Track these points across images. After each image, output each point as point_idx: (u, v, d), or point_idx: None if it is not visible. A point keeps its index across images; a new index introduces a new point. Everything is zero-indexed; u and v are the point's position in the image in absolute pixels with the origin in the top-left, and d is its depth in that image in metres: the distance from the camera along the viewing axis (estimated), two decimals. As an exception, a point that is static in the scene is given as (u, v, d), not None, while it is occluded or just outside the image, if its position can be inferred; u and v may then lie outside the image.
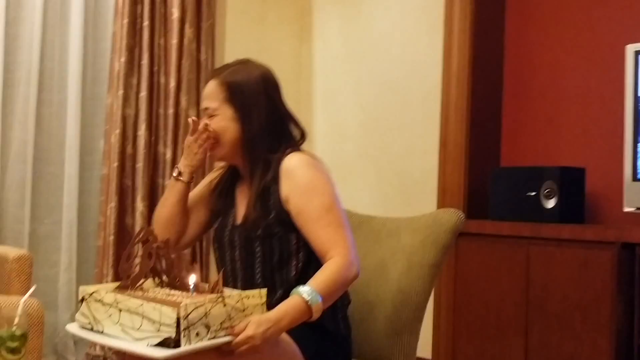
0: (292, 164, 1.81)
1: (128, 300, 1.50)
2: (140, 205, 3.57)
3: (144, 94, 3.62)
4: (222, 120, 1.85)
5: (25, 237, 3.45)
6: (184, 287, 1.61)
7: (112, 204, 3.54)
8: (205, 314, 1.47)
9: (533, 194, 2.97)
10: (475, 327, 3.05)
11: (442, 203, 3.40)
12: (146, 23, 3.63)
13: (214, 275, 1.95)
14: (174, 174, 1.93)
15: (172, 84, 3.67)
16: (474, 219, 3.18)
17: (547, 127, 3.31)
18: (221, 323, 1.50)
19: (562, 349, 2.75)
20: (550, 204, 2.92)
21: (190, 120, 1.94)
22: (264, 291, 1.60)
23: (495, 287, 2.98)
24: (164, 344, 1.44)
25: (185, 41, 3.71)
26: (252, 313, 1.56)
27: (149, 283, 1.65)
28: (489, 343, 2.99)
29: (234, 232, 1.87)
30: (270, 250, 1.81)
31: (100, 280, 3.50)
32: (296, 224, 1.79)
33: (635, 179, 2.75)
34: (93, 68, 3.71)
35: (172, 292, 1.60)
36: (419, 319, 1.98)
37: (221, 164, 2.01)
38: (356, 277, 1.73)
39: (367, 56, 3.85)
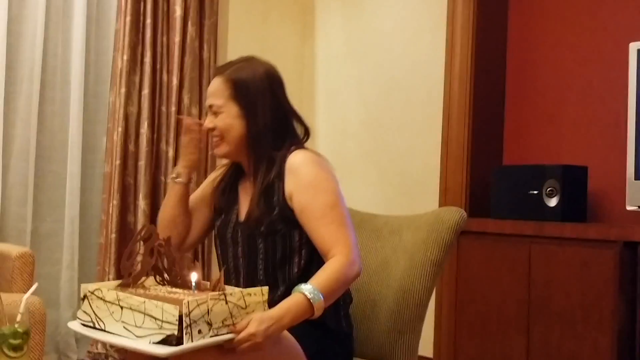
0: (297, 160, 1.81)
1: (130, 298, 1.50)
2: (142, 203, 3.57)
3: (146, 91, 3.62)
4: (228, 117, 1.85)
5: (27, 235, 3.45)
6: (185, 285, 1.61)
7: (114, 202, 3.54)
8: (208, 312, 1.47)
9: (535, 192, 2.97)
10: (476, 326, 3.05)
11: (444, 201, 3.40)
12: (149, 21, 3.63)
13: (216, 273, 1.95)
14: (172, 176, 1.93)
15: (175, 82, 3.67)
16: (475, 217, 3.17)
17: (550, 125, 3.31)
18: (223, 320, 1.50)
19: (564, 348, 2.75)
20: (553, 202, 2.92)
21: (180, 118, 1.94)
22: (265, 289, 1.60)
23: (497, 285, 2.98)
24: (166, 341, 1.44)
25: (188, 39, 3.72)
26: (253, 310, 1.56)
27: (150, 281, 1.66)
28: (490, 342, 2.99)
29: (236, 228, 1.87)
30: (273, 247, 1.81)
31: (102, 278, 3.50)
32: (299, 221, 1.79)
33: (638, 177, 2.74)
34: (95, 66, 3.71)
35: (174, 290, 1.60)
36: (420, 317, 1.98)
37: (224, 161, 2.01)
38: (357, 276, 1.74)
39: (369, 54, 3.85)
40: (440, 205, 3.39)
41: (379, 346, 1.98)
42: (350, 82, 3.95)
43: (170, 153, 3.65)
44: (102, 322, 1.55)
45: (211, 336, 1.48)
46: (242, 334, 1.51)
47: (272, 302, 1.62)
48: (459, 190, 3.37)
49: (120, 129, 3.56)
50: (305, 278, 1.70)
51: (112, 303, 1.53)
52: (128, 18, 3.58)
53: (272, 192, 1.82)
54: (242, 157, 1.89)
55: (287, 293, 1.67)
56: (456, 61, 3.42)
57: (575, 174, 2.97)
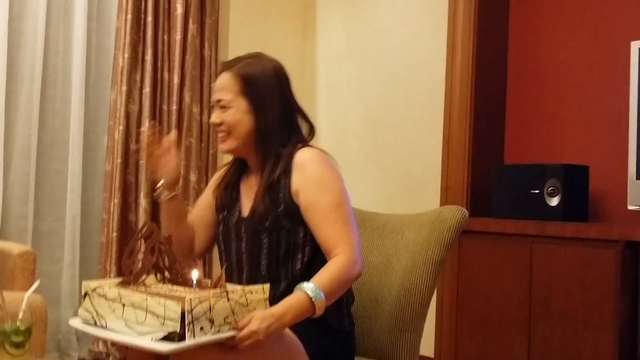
0: (304, 157, 1.81)
1: (132, 295, 1.50)
2: (143, 202, 3.57)
3: (147, 90, 3.62)
4: (237, 112, 1.84)
5: (28, 233, 3.46)
6: (186, 282, 1.61)
7: (116, 201, 3.54)
8: (210, 309, 1.47)
9: (537, 191, 2.96)
10: (478, 325, 3.05)
11: (445, 200, 3.40)
12: (150, 19, 3.63)
13: (217, 271, 1.95)
14: (154, 196, 1.92)
15: (176, 80, 3.67)
16: (477, 216, 3.17)
17: (551, 124, 3.31)
18: (225, 318, 1.50)
19: (565, 347, 2.75)
20: (554, 201, 2.92)
21: (145, 130, 1.92)
22: (267, 286, 1.60)
23: (498, 285, 2.98)
24: (168, 338, 1.44)
25: (189, 37, 3.72)
26: (255, 308, 1.56)
27: (151, 279, 1.66)
28: (491, 341, 2.99)
29: (240, 223, 1.87)
30: (277, 242, 1.81)
31: (103, 276, 3.50)
32: (304, 218, 1.79)
33: (639, 177, 2.74)
34: (97, 64, 3.71)
35: (175, 287, 1.60)
36: (422, 316, 1.98)
37: (228, 158, 2.00)
38: (359, 275, 1.74)
39: (370, 53, 3.85)
40: (442, 204, 3.39)
41: (380, 344, 1.98)
42: (351, 80, 3.95)
43: (171, 152, 3.64)
44: (104, 319, 1.55)
45: (213, 333, 1.48)
46: (244, 332, 1.51)
47: (273, 298, 1.62)
48: (460, 189, 3.36)
49: (121, 127, 3.56)
50: (307, 275, 1.70)
51: (114, 300, 1.53)
52: (129, 16, 3.58)
53: (278, 188, 1.82)
54: (249, 152, 1.89)
55: (289, 289, 1.67)
56: (457, 60, 3.41)
57: (577, 173, 2.97)
